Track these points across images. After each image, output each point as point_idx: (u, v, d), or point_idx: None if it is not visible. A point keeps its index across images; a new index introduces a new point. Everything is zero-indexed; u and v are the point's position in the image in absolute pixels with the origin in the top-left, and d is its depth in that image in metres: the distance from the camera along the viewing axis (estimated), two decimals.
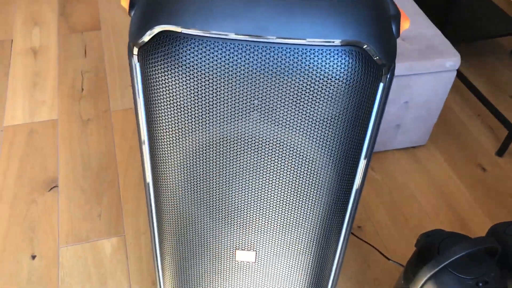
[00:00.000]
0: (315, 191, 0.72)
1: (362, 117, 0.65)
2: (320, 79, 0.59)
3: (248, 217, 0.75)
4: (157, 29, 0.59)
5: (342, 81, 0.59)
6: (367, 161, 0.73)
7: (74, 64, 1.86)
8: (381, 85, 0.63)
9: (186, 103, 0.63)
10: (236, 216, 0.75)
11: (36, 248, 1.30)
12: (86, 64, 1.87)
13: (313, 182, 0.71)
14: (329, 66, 0.58)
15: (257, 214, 0.75)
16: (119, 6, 2.18)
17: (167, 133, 0.68)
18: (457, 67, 1.39)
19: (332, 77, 0.59)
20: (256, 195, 0.72)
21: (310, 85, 0.60)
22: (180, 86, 0.62)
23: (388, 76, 0.63)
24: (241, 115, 0.63)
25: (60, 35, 1.99)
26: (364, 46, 0.58)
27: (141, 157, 0.76)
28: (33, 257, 1.28)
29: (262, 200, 0.73)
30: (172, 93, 0.63)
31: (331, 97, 0.61)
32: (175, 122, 0.66)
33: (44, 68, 1.84)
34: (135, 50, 0.63)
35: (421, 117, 1.52)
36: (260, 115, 0.63)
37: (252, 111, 0.63)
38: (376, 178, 1.53)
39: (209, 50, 0.58)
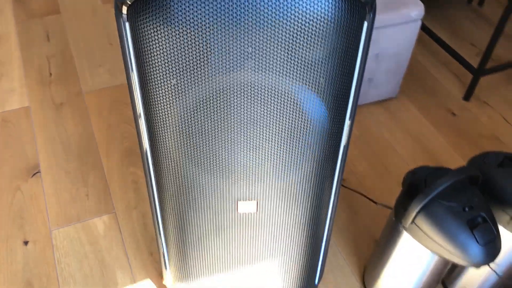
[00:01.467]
0: (308, 136, 0.75)
1: (350, 58, 0.68)
2: (309, 20, 0.61)
3: (247, 167, 0.78)
4: None
5: (330, 21, 0.62)
6: (354, 106, 0.76)
7: (38, 50, 1.82)
8: (365, 24, 0.66)
9: (180, 58, 0.64)
10: (236, 167, 0.77)
11: (28, 233, 1.29)
12: (50, 49, 1.82)
13: (307, 127, 0.74)
14: (317, 6, 0.60)
15: (256, 163, 0.77)
16: None
17: (163, 92, 0.69)
18: (421, 16, 1.44)
19: (320, 17, 0.61)
20: (254, 144, 0.74)
21: (300, 27, 0.62)
22: (172, 41, 0.63)
23: (371, 15, 0.66)
24: (236, 65, 0.65)
25: (18, 22, 1.93)
26: None
27: (136, 122, 0.77)
28: (26, 242, 1.27)
29: (260, 149, 0.75)
30: (164, 50, 0.64)
31: (320, 38, 0.63)
32: (170, 79, 0.67)
33: (7, 57, 1.78)
34: (124, 9, 0.63)
35: (391, 69, 1.56)
36: (254, 63, 0.65)
37: (247, 60, 0.64)
38: (354, 133, 1.58)
39: (199, 1, 0.59)
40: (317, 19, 0.61)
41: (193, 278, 1.02)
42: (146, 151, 0.80)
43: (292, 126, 0.73)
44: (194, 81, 0.66)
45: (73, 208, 1.35)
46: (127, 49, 0.67)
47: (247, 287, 1.03)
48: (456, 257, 0.89)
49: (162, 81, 0.68)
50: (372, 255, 1.16)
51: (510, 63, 1.65)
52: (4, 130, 1.53)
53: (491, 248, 0.87)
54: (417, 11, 1.41)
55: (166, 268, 1.03)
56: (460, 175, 0.90)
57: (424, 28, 1.77)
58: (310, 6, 0.60)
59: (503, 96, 1.72)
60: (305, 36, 0.63)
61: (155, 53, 0.65)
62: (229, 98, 0.68)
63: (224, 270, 0.98)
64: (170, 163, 0.79)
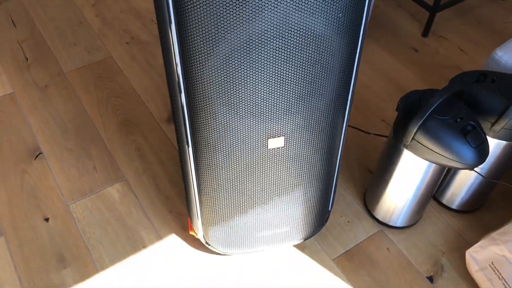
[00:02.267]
0: (329, 71, 0.85)
1: None
2: None
3: (276, 105, 0.87)
4: None
5: None
6: (363, 37, 0.87)
7: (7, 36, 1.80)
8: None
9: (218, 8, 0.72)
10: (266, 106, 0.87)
11: (46, 211, 1.33)
12: (19, 34, 1.81)
13: (327, 62, 0.84)
14: None
15: (283, 100, 0.87)
16: None
17: (201, 40, 0.76)
18: None
19: None
20: (283, 83, 0.84)
21: None
22: None
23: None
24: (269, 9, 0.73)
25: None
26: None
27: (170, 72, 0.84)
28: (46, 219, 1.31)
29: (288, 87, 0.85)
30: (201, 2, 0.71)
31: None
32: (206, 29, 0.74)
33: None
34: None
35: None
36: (284, 6, 0.74)
37: (278, 4, 0.73)
38: None
39: None
40: None
41: (223, 222, 1.12)
42: (182, 98, 0.87)
43: (315, 61, 0.83)
44: (230, 27, 0.74)
45: (84, 182, 1.39)
46: (166, 9, 0.74)
47: (273, 223, 1.15)
48: (454, 162, 1.03)
49: (201, 31, 0.75)
50: (372, 179, 1.30)
51: None
52: None
53: (482, 150, 1.03)
54: None
55: (197, 216, 1.12)
56: (448, 92, 1.04)
57: None
58: None
59: (457, 29, 1.89)
60: None
61: (192, 7, 0.72)
62: (260, 41, 0.77)
63: (254, 207, 1.08)
64: (205, 109, 0.87)
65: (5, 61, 1.71)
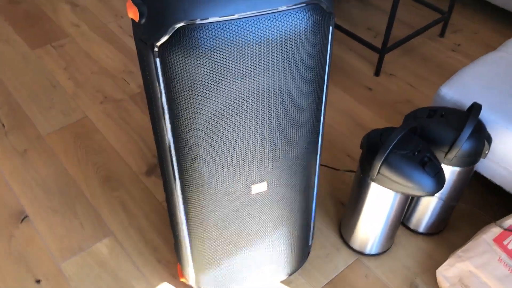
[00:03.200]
0: (301, 121, 0.97)
1: (323, 53, 0.91)
2: (296, 31, 0.83)
3: (259, 154, 0.98)
4: (177, 26, 0.77)
5: (310, 29, 0.85)
6: (327, 89, 1.00)
7: None
8: (331, 28, 0.90)
9: (203, 77, 0.83)
10: (250, 155, 0.97)
11: (37, 273, 1.36)
12: None
13: (299, 113, 0.96)
14: (301, 21, 0.83)
15: (265, 149, 0.98)
16: None
17: (188, 105, 0.87)
18: None
19: (304, 28, 0.84)
20: (263, 134, 0.95)
21: (290, 38, 0.84)
22: (197, 65, 0.81)
23: (333, 21, 0.90)
24: (247, 75, 0.85)
25: None
26: (320, 3, 0.83)
27: (159, 135, 0.94)
28: (38, 281, 1.35)
29: (268, 138, 0.96)
30: (191, 73, 0.82)
31: (303, 42, 0.85)
32: (194, 95, 0.85)
33: None
34: (156, 48, 0.80)
35: None
36: (260, 71, 0.85)
37: (254, 69, 0.85)
38: None
39: (217, 31, 0.79)
40: (300, 29, 0.84)
41: (213, 266, 1.20)
42: (172, 157, 0.96)
43: (289, 114, 0.94)
44: (214, 91, 0.85)
45: (72, 240, 1.44)
46: (156, 78, 0.84)
47: (259, 262, 1.23)
48: (415, 191, 1.16)
49: (186, 96, 0.85)
50: (345, 211, 1.41)
51: (403, 40, 2.01)
52: None
53: (439, 178, 1.16)
54: None
55: (188, 261, 1.19)
56: (405, 129, 1.17)
57: None
58: (297, 22, 0.82)
59: (404, 67, 2.08)
60: (293, 43, 0.84)
61: (181, 77, 0.83)
62: (243, 100, 0.88)
63: (242, 248, 1.17)
64: (192, 161, 0.96)
65: None
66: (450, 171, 1.29)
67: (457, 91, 1.38)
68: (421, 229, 1.47)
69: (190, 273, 1.24)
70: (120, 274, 1.37)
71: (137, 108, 1.85)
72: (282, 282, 1.36)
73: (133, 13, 0.82)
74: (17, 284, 1.34)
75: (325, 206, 1.55)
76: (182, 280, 1.29)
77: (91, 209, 1.52)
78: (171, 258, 1.41)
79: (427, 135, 1.25)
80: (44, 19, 2.28)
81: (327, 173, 1.64)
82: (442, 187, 1.16)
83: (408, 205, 1.45)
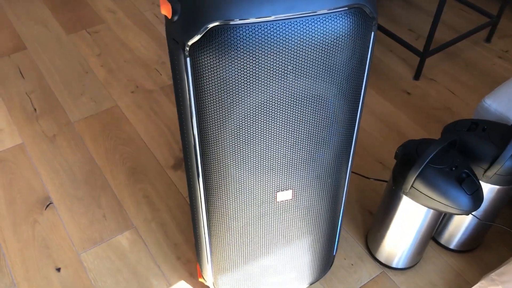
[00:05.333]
0: (333, 130, 0.92)
1: (362, 61, 0.86)
2: (335, 36, 0.78)
3: (286, 161, 0.93)
4: (211, 25, 0.73)
5: (350, 35, 0.79)
6: (363, 98, 0.94)
7: (15, 87, 1.86)
8: (372, 33, 0.84)
9: (234, 79, 0.79)
10: (277, 162, 0.93)
11: (58, 261, 1.37)
12: (27, 85, 1.87)
13: (332, 122, 0.91)
14: (342, 25, 0.77)
15: (294, 157, 0.93)
16: (36, 21, 2.17)
17: (217, 107, 0.83)
18: None
19: (344, 33, 0.78)
20: (292, 141, 0.90)
21: (328, 43, 0.78)
22: (229, 67, 0.77)
23: (375, 25, 0.84)
24: (279, 79, 0.80)
25: None
26: (363, 7, 0.78)
27: (186, 135, 0.91)
28: (58, 269, 1.35)
29: (297, 145, 0.91)
30: (222, 75, 0.78)
31: (343, 48, 0.80)
32: (224, 97, 0.81)
33: None
34: (187, 47, 0.77)
35: None
36: (293, 76, 0.81)
37: (288, 74, 0.80)
38: None
39: (252, 33, 0.74)
40: (340, 34, 0.78)
41: (233, 269, 1.17)
42: (197, 157, 0.93)
43: (321, 122, 0.89)
44: (245, 95, 0.81)
45: (94, 230, 1.43)
46: (185, 78, 0.81)
47: (280, 269, 1.19)
48: (451, 208, 1.09)
49: (218, 99, 0.82)
50: (373, 222, 1.36)
51: (447, 43, 1.92)
52: (5, 169, 1.58)
53: (477, 196, 1.09)
54: None
55: (208, 262, 1.17)
56: (443, 142, 1.11)
57: None
58: (337, 26, 0.77)
59: (446, 72, 1.99)
60: (331, 48, 0.79)
61: (213, 78, 0.79)
62: (274, 104, 0.84)
63: (263, 254, 1.13)
64: (217, 165, 0.93)
65: (15, 112, 1.76)
66: (488, 189, 1.21)
67: (502, 103, 1.30)
68: (453, 245, 1.40)
69: (208, 274, 1.21)
70: (139, 269, 1.35)
71: (167, 100, 1.83)
72: None
73: (166, 10, 0.78)
74: (38, 270, 1.34)
75: (352, 214, 1.49)
76: (201, 280, 1.26)
77: (115, 200, 1.51)
78: (191, 257, 1.38)
79: (466, 150, 1.18)
80: (82, 4, 2.28)
81: (356, 179, 1.58)
82: (479, 206, 1.10)
83: (440, 220, 1.38)
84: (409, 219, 1.21)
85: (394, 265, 1.36)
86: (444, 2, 1.69)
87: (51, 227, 1.44)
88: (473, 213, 1.29)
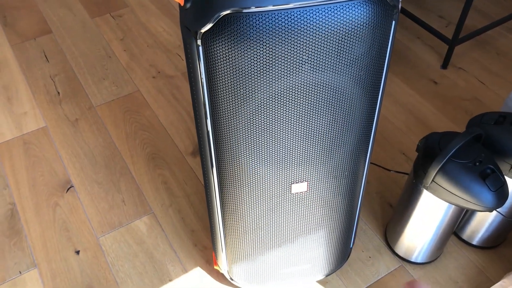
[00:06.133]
0: (351, 122, 0.89)
1: (382, 51, 0.83)
2: (353, 26, 0.75)
3: (300, 153, 0.91)
4: (223, 14, 0.71)
5: (369, 24, 0.76)
6: (383, 89, 0.91)
7: (40, 70, 1.88)
8: (393, 22, 0.80)
9: (248, 69, 0.77)
10: (292, 154, 0.91)
11: (77, 244, 1.39)
12: (51, 68, 1.89)
13: (349, 114, 0.88)
14: (360, 14, 0.74)
15: (309, 149, 0.91)
16: (61, 4, 2.18)
17: (230, 97, 0.81)
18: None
19: (362, 22, 0.75)
20: (308, 133, 0.88)
21: (346, 32, 0.75)
22: (242, 56, 0.75)
23: (397, 14, 0.81)
24: (294, 69, 0.78)
25: (13, 46, 1.98)
26: None
27: (200, 125, 0.90)
28: (77, 252, 1.37)
29: (312, 137, 0.89)
30: (235, 64, 0.76)
31: (361, 38, 0.77)
32: (237, 87, 0.80)
33: (12, 81, 1.84)
34: (199, 35, 0.75)
35: None
36: (309, 67, 0.78)
37: (303, 64, 0.78)
38: None
39: (266, 21, 0.72)
40: (359, 23, 0.75)
41: (247, 259, 1.16)
42: (211, 148, 0.92)
43: (338, 114, 0.87)
44: (258, 86, 0.79)
45: (113, 215, 1.45)
46: (198, 67, 0.79)
47: (296, 260, 1.18)
48: (473, 205, 1.06)
49: (231, 89, 0.80)
50: (393, 215, 1.33)
51: (478, 31, 1.84)
52: (28, 152, 1.61)
53: (502, 193, 1.05)
54: None
55: (222, 251, 1.16)
56: (467, 136, 1.06)
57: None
58: (355, 15, 0.74)
59: (476, 61, 1.92)
60: (350, 38, 0.76)
61: (225, 67, 0.77)
62: (289, 96, 0.82)
63: (277, 245, 1.12)
64: (231, 155, 0.92)
65: (39, 95, 1.79)
66: None
67: None
68: (475, 241, 1.36)
69: (223, 263, 1.21)
70: (156, 254, 1.36)
71: (188, 86, 1.82)
72: (319, 281, 1.31)
73: None
74: (58, 252, 1.37)
75: (371, 206, 1.47)
76: (216, 268, 1.27)
77: (134, 185, 1.52)
78: (207, 243, 1.39)
79: (492, 144, 1.14)
80: None
81: (377, 170, 1.55)
82: (503, 203, 1.05)
83: (463, 215, 1.34)
84: (429, 213, 1.18)
85: (413, 259, 1.33)
86: None
87: (71, 210, 1.46)
88: (497, 209, 1.24)
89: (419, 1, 2.18)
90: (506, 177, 1.16)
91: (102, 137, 1.65)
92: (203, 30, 0.74)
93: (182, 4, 0.76)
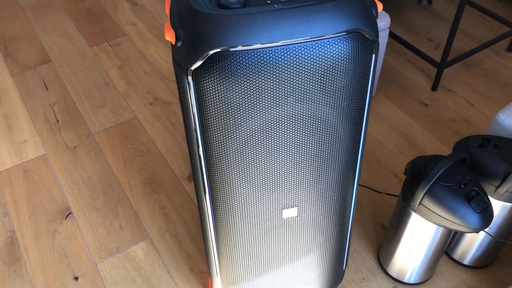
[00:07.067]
0: (336, 149, 0.93)
1: (363, 82, 0.87)
2: (335, 60, 0.79)
3: (290, 180, 0.95)
4: (211, 52, 0.76)
5: (350, 58, 0.80)
6: (367, 117, 0.95)
7: (39, 99, 1.93)
8: (373, 56, 0.85)
9: (236, 103, 0.81)
10: (281, 181, 0.95)
11: (75, 270, 1.41)
12: (51, 97, 1.94)
13: (335, 141, 0.92)
14: (341, 50, 0.79)
15: (297, 176, 0.95)
16: (60, 34, 2.24)
17: (220, 129, 0.85)
18: (388, 26, 1.65)
19: (343, 57, 0.80)
20: (295, 161, 0.92)
21: (328, 67, 0.80)
22: (230, 91, 0.79)
23: (377, 48, 0.85)
24: (280, 102, 0.82)
25: (13, 75, 2.04)
26: (362, 32, 0.79)
27: (192, 155, 0.93)
28: (76, 278, 1.40)
29: (300, 164, 0.93)
30: (223, 98, 0.81)
31: (343, 72, 0.81)
32: (226, 119, 0.84)
33: (12, 110, 1.89)
34: (190, 72, 0.79)
35: None
36: (294, 99, 0.82)
37: (288, 97, 0.82)
38: None
39: (252, 59, 0.77)
40: (340, 58, 0.80)
41: (241, 282, 1.19)
42: (203, 176, 0.96)
43: (324, 142, 0.91)
44: (246, 117, 0.83)
45: (111, 240, 1.48)
46: (189, 101, 0.84)
47: (289, 283, 1.20)
48: (459, 226, 1.09)
49: (219, 120, 0.84)
50: (385, 237, 1.36)
51: (466, 54, 1.89)
52: (28, 179, 1.65)
53: (486, 215, 1.08)
54: (385, 22, 1.63)
55: (217, 275, 1.19)
56: (452, 160, 1.10)
57: (389, 33, 1.99)
58: (336, 51, 0.78)
59: (464, 83, 1.96)
60: (332, 72, 0.81)
61: (214, 101, 0.81)
62: (275, 126, 0.86)
63: (271, 269, 1.15)
64: (223, 183, 0.95)
65: (38, 124, 1.83)
66: (500, 207, 1.20)
67: None
68: (466, 261, 1.38)
69: (218, 286, 1.23)
70: (153, 279, 1.39)
71: None
72: None
73: (170, 36, 0.81)
74: (57, 279, 1.39)
75: (365, 228, 1.49)
76: None
77: (131, 211, 1.55)
78: (203, 268, 1.41)
79: (477, 167, 1.17)
80: (104, 17, 2.35)
81: (370, 193, 1.58)
82: (488, 224, 1.08)
83: (452, 235, 1.37)
84: (419, 235, 1.21)
85: (406, 280, 1.36)
86: (461, 11, 1.67)
87: (70, 237, 1.49)
88: (486, 230, 1.27)
89: (409, 25, 2.25)
90: (491, 198, 1.19)
91: (100, 163, 1.69)
92: (193, 67, 0.79)
93: (173, 42, 0.81)
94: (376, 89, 1.93)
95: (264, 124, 0.85)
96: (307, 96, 0.83)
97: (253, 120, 0.84)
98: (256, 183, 0.94)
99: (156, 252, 1.45)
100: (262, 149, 0.89)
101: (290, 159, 0.92)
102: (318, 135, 0.89)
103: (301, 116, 0.85)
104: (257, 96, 0.80)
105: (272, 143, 0.88)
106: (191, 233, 1.49)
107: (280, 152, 0.90)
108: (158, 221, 1.52)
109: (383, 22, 1.62)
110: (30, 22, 2.31)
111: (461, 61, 1.98)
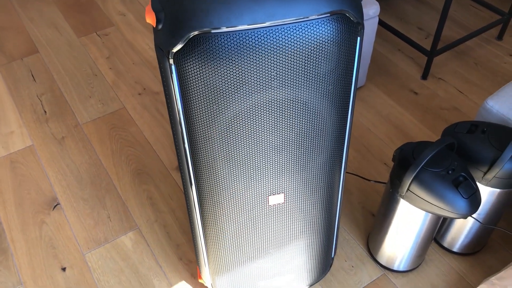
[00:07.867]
0: (322, 135, 0.92)
1: (349, 66, 0.86)
2: (319, 43, 0.78)
3: (276, 166, 0.94)
4: (192, 34, 0.74)
5: (334, 41, 0.79)
6: (353, 103, 0.94)
7: (27, 90, 1.91)
8: (358, 38, 0.84)
9: (219, 86, 0.80)
10: (266, 167, 0.94)
11: (63, 261, 1.40)
12: (38, 88, 1.92)
13: (320, 127, 0.91)
14: (324, 32, 0.78)
15: (283, 162, 0.94)
16: (48, 25, 2.21)
17: (203, 113, 0.84)
18: (378, 14, 1.64)
19: (327, 39, 0.78)
20: (280, 146, 0.91)
21: (312, 50, 0.79)
22: (213, 74, 0.78)
23: (362, 30, 0.84)
24: (264, 86, 0.81)
25: (0, 66, 2.01)
26: (346, 13, 0.78)
27: (177, 141, 0.92)
28: (64, 269, 1.38)
29: (285, 150, 0.92)
30: (206, 82, 0.79)
31: (328, 55, 0.80)
32: (209, 103, 0.82)
33: None
34: (171, 55, 0.78)
35: None
36: (278, 83, 0.81)
37: (272, 81, 0.81)
38: None
39: (234, 41, 0.75)
40: (324, 40, 0.78)
41: (229, 271, 1.18)
42: (188, 163, 0.94)
43: (309, 127, 0.90)
44: (230, 101, 0.82)
45: (99, 231, 1.47)
46: (171, 84, 0.82)
47: (277, 271, 1.20)
48: (447, 212, 1.08)
49: (202, 104, 0.83)
50: (374, 224, 1.35)
51: (456, 42, 1.89)
52: (15, 171, 1.63)
53: (474, 200, 1.08)
54: (374, 9, 1.61)
55: (205, 264, 1.18)
56: (440, 145, 1.10)
57: (379, 21, 1.97)
58: (320, 33, 0.77)
59: (454, 71, 1.96)
60: (316, 55, 0.80)
61: (197, 84, 0.80)
62: (259, 110, 0.85)
63: (258, 257, 1.14)
64: (208, 170, 0.94)
65: (25, 115, 1.81)
66: (488, 192, 1.19)
67: (504, 105, 1.27)
68: (456, 248, 1.38)
69: (206, 276, 1.22)
70: (141, 269, 1.38)
71: None
72: None
73: (150, 19, 0.79)
74: (45, 270, 1.38)
75: (354, 216, 1.49)
76: (201, 281, 1.28)
77: (119, 201, 1.54)
78: (192, 257, 1.40)
79: (465, 152, 1.17)
80: (93, 7, 2.32)
81: (359, 181, 1.58)
82: (476, 210, 1.08)
83: (441, 222, 1.37)
84: (407, 222, 1.20)
85: (395, 268, 1.35)
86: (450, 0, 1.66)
87: (58, 228, 1.48)
88: (475, 216, 1.27)
89: (400, 14, 2.24)
90: (479, 184, 1.19)
91: (88, 154, 1.68)
92: (174, 50, 0.77)
93: (154, 25, 0.79)
94: (366, 77, 1.92)
95: (248, 108, 0.84)
96: (292, 80, 0.81)
97: (237, 104, 0.83)
98: (242, 168, 0.93)
99: (145, 242, 1.44)
100: (247, 134, 0.87)
101: (275, 144, 0.91)
102: (303, 120, 0.88)
103: (286, 100, 0.84)
104: (241, 79, 0.79)
105: (257, 128, 0.87)
106: (180, 223, 1.48)
107: (265, 137, 0.89)
108: (147, 211, 1.51)
109: (372, 9, 1.61)
110: (17, 13, 2.28)
111: (451, 49, 1.98)
